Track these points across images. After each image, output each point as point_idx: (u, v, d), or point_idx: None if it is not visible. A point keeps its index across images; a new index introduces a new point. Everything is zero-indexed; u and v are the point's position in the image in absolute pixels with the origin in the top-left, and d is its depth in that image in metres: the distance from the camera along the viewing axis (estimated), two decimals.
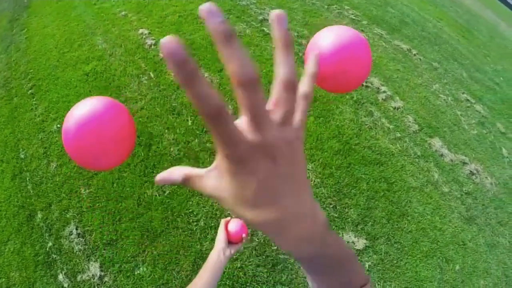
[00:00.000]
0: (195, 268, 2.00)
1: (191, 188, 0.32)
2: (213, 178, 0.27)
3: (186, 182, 0.29)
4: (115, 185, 2.40)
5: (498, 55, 6.26)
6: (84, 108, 0.45)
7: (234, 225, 1.00)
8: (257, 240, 2.13)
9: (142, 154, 2.56)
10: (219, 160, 0.26)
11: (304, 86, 0.32)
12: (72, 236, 2.19)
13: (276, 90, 0.26)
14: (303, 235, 0.30)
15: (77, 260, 2.09)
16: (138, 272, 2.00)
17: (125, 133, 0.47)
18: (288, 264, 2.05)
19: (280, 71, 0.25)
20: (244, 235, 0.99)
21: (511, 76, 5.52)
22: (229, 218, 1.05)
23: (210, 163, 0.27)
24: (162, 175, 0.30)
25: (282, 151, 0.25)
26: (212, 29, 0.20)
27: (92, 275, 2.00)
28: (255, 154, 0.24)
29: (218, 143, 0.23)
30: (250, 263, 2.03)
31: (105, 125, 0.45)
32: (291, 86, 0.26)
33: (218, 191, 0.27)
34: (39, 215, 2.34)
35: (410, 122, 3.28)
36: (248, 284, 1.96)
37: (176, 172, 0.29)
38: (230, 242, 0.98)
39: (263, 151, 0.24)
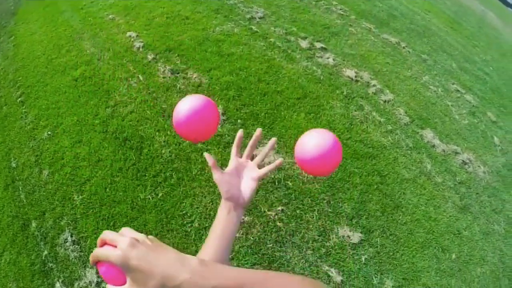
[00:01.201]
0: None
1: None
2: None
3: None
4: (107, 190, 2.39)
5: (486, 45, 6.31)
6: (189, 103, 0.69)
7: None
8: (252, 239, 2.13)
9: (134, 158, 2.54)
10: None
11: None
12: (68, 244, 2.17)
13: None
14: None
15: (74, 268, 2.08)
16: None
17: (215, 117, 0.72)
18: (284, 262, 2.06)
19: None
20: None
21: (500, 65, 5.57)
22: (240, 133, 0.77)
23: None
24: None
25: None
26: None
27: (89, 281, 2.00)
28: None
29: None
30: (246, 262, 2.03)
31: (205, 113, 0.69)
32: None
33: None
34: (34, 224, 2.32)
35: (401, 114, 3.30)
36: None
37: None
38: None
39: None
